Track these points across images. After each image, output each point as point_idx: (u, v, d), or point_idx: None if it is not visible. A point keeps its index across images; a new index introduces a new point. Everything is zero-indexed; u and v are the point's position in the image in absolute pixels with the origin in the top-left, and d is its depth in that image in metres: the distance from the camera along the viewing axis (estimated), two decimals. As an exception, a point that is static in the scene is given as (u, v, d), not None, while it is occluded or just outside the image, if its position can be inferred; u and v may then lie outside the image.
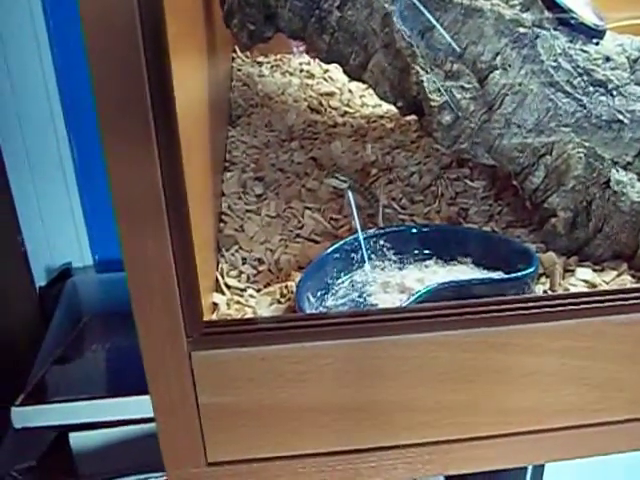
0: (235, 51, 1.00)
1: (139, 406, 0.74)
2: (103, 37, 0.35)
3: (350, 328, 0.44)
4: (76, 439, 0.75)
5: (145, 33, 0.35)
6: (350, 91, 0.89)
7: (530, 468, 0.87)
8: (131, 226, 0.39)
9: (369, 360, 0.45)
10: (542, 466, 0.84)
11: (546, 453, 0.50)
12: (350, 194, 0.60)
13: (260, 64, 0.98)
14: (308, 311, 0.49)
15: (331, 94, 0.87)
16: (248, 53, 0.99)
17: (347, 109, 0.84)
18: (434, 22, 0.55)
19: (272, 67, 0.97)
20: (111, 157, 0.37)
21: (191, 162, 0.44)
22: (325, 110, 0.84)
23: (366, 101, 0.87)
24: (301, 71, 0.95)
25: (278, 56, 1.00)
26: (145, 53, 0.36)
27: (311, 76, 0.93)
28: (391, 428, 0.47)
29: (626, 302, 0.47)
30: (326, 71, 0.93)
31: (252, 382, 0.44)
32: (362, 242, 0.56)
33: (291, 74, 0.94)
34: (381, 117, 0.83)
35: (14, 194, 1.03)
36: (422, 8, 0.55)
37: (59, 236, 1.08)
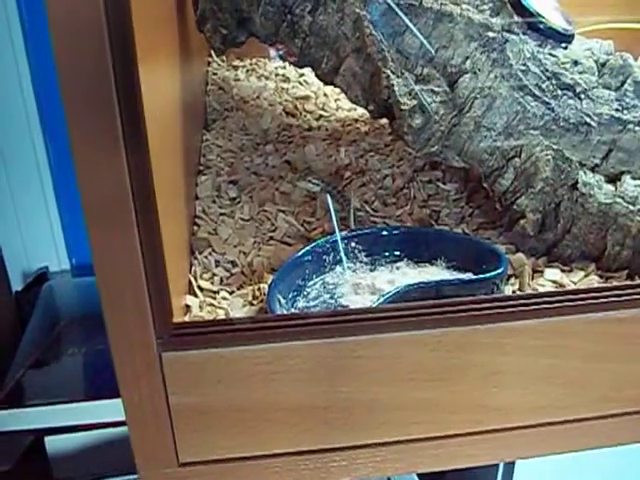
0: (211, 55, 1.00)
1: (115, 409, 0.74)
2: (70, 42, 0.35)
3: (319, 328, 0.44)
4: (52, 443, 0.75)
5: (112, 38, 0.36)
6: (325, 95, 0.90)
7: (501, 465, 0.87)
8: (100, 228, 0.39)
9: (338, 360, 0.45)
10: (512, 463, 0.85)
11: (515, 451, 0.51)
12: (328, 197, 0.61)
13: (236, 68, 0.98)
14: (278, 312, 0.49)
15: (306, 98, 0.88)
16: (224, 57, 1.00)
17: (322, 112, 0.85)
18: (409, 25, 0.55)
19: (248, 71, 0.98)
20: (79, 160, 0.38)
21: (162, 165, 0.44)
22: (300, 114, 0.85)
23: (341, 104, 0.87)
24: (277, 75, 0.96)
25: (254, 60, 1.00)
26: (112, 57, 0.36)
27: (287, 80, 0.94)
28: (360, 427, 0.47)
29: (593, 301, 0.48)
30: (301, 75, 0.94)
31: (222, 383, 0.44)
32: (340, 243, 0.56)
33: (267, 78, 0.95)
34: (356, 120, 0.83)
35: (-10, 198, 1.03)
36: (393, 13, 0.56)
37: (35, 240, 1.07)
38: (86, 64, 0.36)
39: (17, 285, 1.09)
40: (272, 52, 1.01)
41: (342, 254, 0.56)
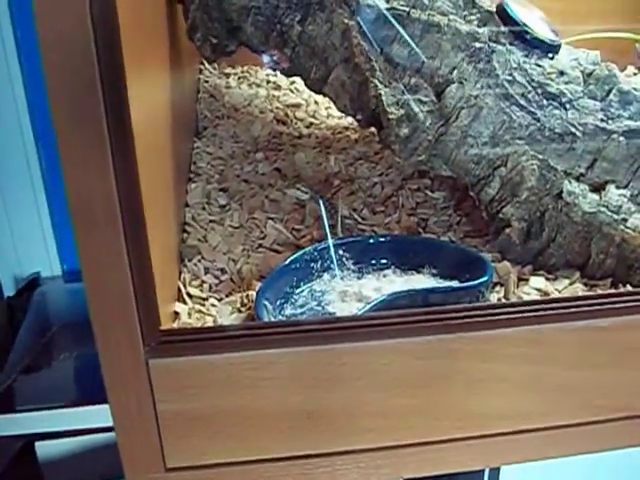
0: (202, 63, 1.00)
1: (106, 415, 0.74)
2: (58, 51, 0.36)
3: (305, 336, 0.45)
4: (42, 448, 0.75)
5: (100, 48, 0.36)
6: (316, 102, 0.90)
7: (487, 471, 0.88)
8: (87, 235, 0.40)
9: (324, 367, 0.46)
10: (498, 469, 0.86)
11: (498, 457, 0.51)
12: (321, 204, 0.61)
13: (227, 75, 0.99)
14: (266, 319, 0.50)
15: (297, 105, 0.89)
16: (215, 65, 1.00)
17: (313, 120, 0.86)
18: (400, 33, 0.56)
19: (239, 78, 0.98)
20: (67, 168, 0.38)
21: (151, 173, 0.45)
22: (291, 121, 0.85)
23: (332, 112, 0.88)
24: (268, 82, 0.96)
25: (245, 67, 1.01)
26: (100, 68, 0.37)
27: (278, 87, 0.94)
28: (345, 433, 0.48)
29: (576, 310, 0.49)
30: (292, 82, 0.94)
31: (209, 389, 0.45)
32: (332, 250, 0.57)
33: (258, 85, 0.95)
34: (346, 128, 0.84)
35: (-18, 204, 1.03)
36: (381, 23, 0.56)
37: (27, 246, 1.08)
38: (73, 76, 0.36)
39: (9, 290, 1.09)
40: (265, 59, 1.01)
41: (331, 261, 0.57)
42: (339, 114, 0.87)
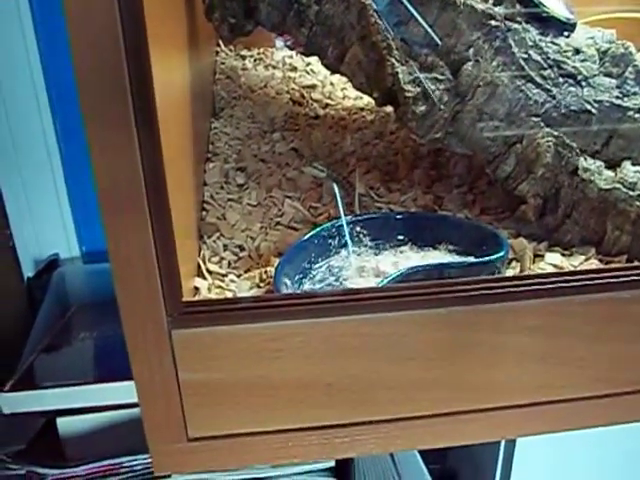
0: (219, 45, 1.01)
1: (124, 391, 0.76)
2: (85, 32, 0.37)
3: (324, 307, 0.46)
4: (63, 424, 0.76)
5: (125, 27, 0.37)
6: (332, 84, 0.91)
7: (502, 443, 0.89)
8: (114, 212, 0.41)
9: (342, 338, 0.46)
10: (514, 441, 0.87)
11: (514, 428, 0.52)
12: (335, 185, 0.62)
13: (243, 57, 1.00)
14: (285, 293, 0.51)
15: (313, 87, 0.89)
16: (232, 47, 1.01)
17: (328, 101, 0.86)
18: (413, 14, 0.56)
19: (255, 60, 0.99)
20: (94, 147, 0.39)
21: (172, 151, 0.46)
22: (307, 102, 0.86)
23: (347, 93, 0.89)
24: (284, 64, 0.97)
25: (261, 49, 1.02)
26: (125, 46, 0.37)
27: (294, 69, 0.95)
28: (363, 404, 0.48)
29: (591, 282, 0.49)
30: (308, 64, 0.95)
31: (229, 359, 0.46)
32: (345, 227, 0.58)
33: (274, 67, 0.96)
34: (361, 109, 0.85)
35: (2, 187, 1.04)
36: (398, 2, 0.57)
37: (47, 228, 1.09)
38: (100, 54, 0.37)
39: (29, 272, 1.10)
40: (278, 42, 1.02)
41: (347, 237, 0.57)
42: (354, 95, 0.88)
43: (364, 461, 0.81)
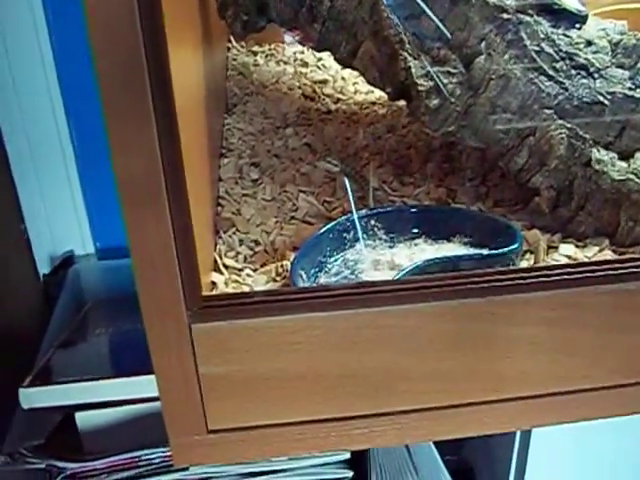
0: (230, 41, 1.02)
1: (141, 386, 0.76)
2: (104, 26, 0.37)
3: (341, 300, 0.46)
4: (82, 418, 0.77)
5: (144, 23, 0.38)
6: (343, 79, 0.91)
7: (518, 433, 0.89)
8: (134, 206, 0.41)
9: (359, 330, 0.47)
10: (529, 431, 0.87)
11: (529, 419, 0.52)
12: (346, 180, 0.62)
13: (255, 53, 1.00)
14: (301, 286, 0.51)
15: (324, 82, 0.90)
16: (243, 43, 1.01)
17: (340, 96, 0.87)
18: (424, 8, 0.57)
19: (267, 56, 0.99)
20: (114, 141, 0.40)
21: (189, 147, 0.46)
22: (319, 97, 0.86)
23: (359, 88, 0.89)
24: (295, 60, 0.97)
25: (272, 45, 1.02)
26: (144, 44, 0.38)
27: (305, 64, 0.95)
28: (381, 396, 0.49)
29: (605, 273, 0.49)
30: (319, 59, 0.95)
31: (248, 352, 0.46)
32: (357, 222, 0.58)
33: (285, 63, 0.96)
34: (373, 103, 0.85)
35: (17, 183, 1.05)
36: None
37: (61, 225, 1.10)
38: (120, 51, 0.38)
39: (44, 268, 1.11)
40: (287, 38, 1.02)
41: (359, 231, 0.58)
42: (366, 89, 0.88)
43: (380, 453, 0.82)
